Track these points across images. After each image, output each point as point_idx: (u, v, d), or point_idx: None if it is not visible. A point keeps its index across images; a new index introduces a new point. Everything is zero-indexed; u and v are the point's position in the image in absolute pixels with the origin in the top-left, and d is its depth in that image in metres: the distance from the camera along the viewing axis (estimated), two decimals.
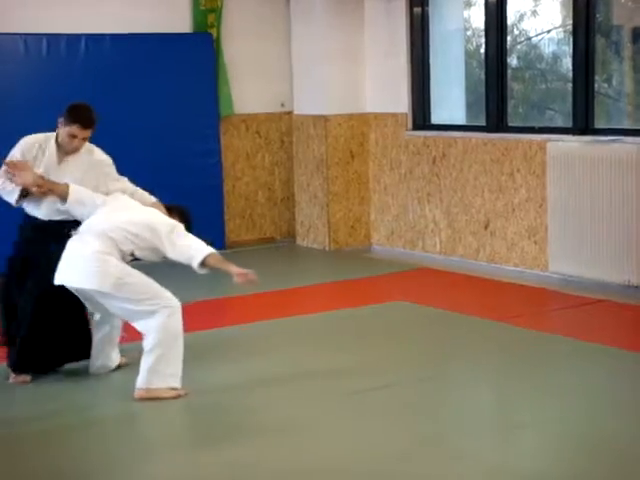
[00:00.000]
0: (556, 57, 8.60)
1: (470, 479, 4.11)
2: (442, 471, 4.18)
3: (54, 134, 5.49)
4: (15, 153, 5.46)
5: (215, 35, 9.17)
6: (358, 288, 7.75)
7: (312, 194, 9.30)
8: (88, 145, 5.54)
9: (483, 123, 8.28)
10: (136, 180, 8.82)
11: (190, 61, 9.07)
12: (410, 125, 8.83)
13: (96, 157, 5.58)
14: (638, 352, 5.77)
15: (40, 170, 5.39)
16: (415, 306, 6.98)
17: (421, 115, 8.80)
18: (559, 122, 8.12)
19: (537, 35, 8.74)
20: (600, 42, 7.74)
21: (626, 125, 7.82)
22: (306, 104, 9.30)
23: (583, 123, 7.42)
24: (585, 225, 7.20)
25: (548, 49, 8.80)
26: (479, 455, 4.36)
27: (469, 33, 9.12)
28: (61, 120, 5.41)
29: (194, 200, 9.20)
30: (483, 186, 8.12)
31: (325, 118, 9.09)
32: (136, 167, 8.79)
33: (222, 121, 9.38)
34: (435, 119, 8.80)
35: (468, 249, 8.27)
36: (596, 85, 7.62)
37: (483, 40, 8.28)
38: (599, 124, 7.48)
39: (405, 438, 4.57)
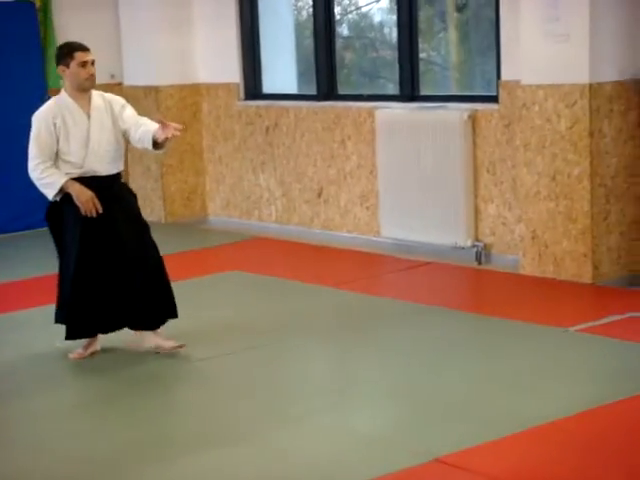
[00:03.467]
0: (384, 26, 8.77)
1: (307, 440, 4.20)
2: (280, 434, 4.27)
3: (60, 96, 5.35)
4: (42, 136, 5.26)
5: (39, 4, 8.91)
6: (194, 259, 7.75)
7: (146, 167, 9.20)
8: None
9: (314, 92, 8.37)
10: None
11: (12, 32, 8.79)
12: (242, 95, 8.84)
13: (107, 97, 5.51)
14: (467, 311, 6.00)
15: (78, 134, 5.25)
16: (252, 275, 7.03)
17: (252, 85, 8.82)
18: (389, 90, 8.30)
19: (367, 5, 8.89)
20: (427, 11, 7.93)
21: (452, 92, 8.07)
22: (136, 75, 9.17)
23: (409, 90, 7.61)
24: (414, 190, 7.40)
25: (377, 18, 8.98)
26: (315, 416, 4.46)
27: (300, 3, 9.19)
28: (62, 67, 5.30)
29: (26, 180, 8.99)
30: (315, 154, 8.22)
31: (156, 89, 8.99)
32: None
33: (50, 93, 9.12)
34: (267, 89, 8.84)
35: (303, 217, 8.37)
36: (424, 54, 7.81)
37: (311, 10, 8.36)
38: (425, 91, 7.68)
39: (243, 406, 4.63)
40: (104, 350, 5.45)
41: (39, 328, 5.91)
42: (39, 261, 7.35)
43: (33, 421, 4.59)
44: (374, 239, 7.81)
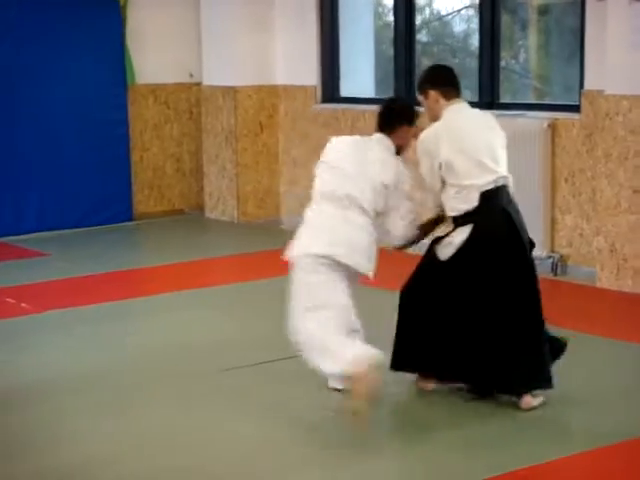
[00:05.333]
0: (465, 34, 8.70)
1: None
2: None
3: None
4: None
5: (122, 1, 9.03)
6: (266, 260, 7.74)
7: (221, 166, 9.24)
8: None
9: (392, 96, 8.30)
10: (43, 150, 8.77)
11: (97, 28, 8.92)
12: (319, 98, 8.83)
13: None
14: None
15: None
16: None
17: (330, 88, 8.81)
18: (467, 97, 8.20)
19: (448, 15, 8.84)
20: (506, 19, 7.84)
21: (531, 100, 7.96)
22: (215, 75, 9.22)
23: (489, 97, 7.52)
24: None
25: (458, 26, 8.91)
26: None
27: (380, 10, 9.16)
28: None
29: (101, 171, 9.18)
30: None
31: (234, 89, 9.03)
32: (43, 136, 8.78)
33: (130, 91, 9.25)
34: (344, 92, 8.82)
35: None
36: (503, 61, 7.72)
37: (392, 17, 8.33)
38: (505, 99, 7.59)
39: None
40: None
41: None
42: None
43: None
44: None
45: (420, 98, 4.74)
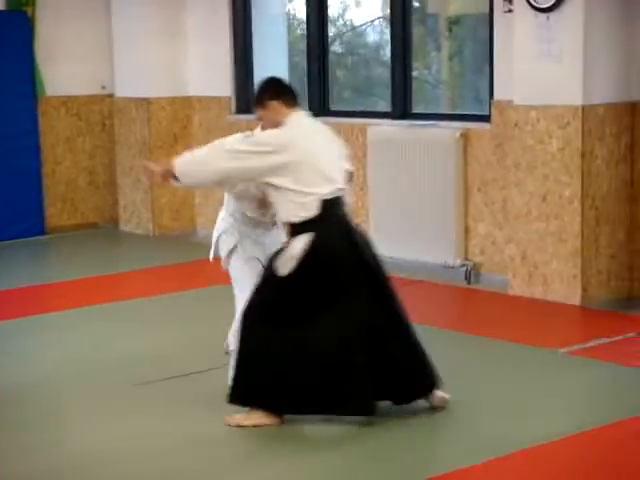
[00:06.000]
0: (377, 45, 8.77)
1: None
2: None
3: None
4: None
5: (30, 13, 8.89)
6: (181, 272, 7.69)
7: (135, 178, 9.15)
8: None
9: (306, 107, 8.33)
10: None
11: (4, 40, 8.77)
12: (234, 109, 8.81)
13: None
14: (453, 330, 5.96)
15: None
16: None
17: (245, 99, 8.79)
18: (382, 107, 8.28)
19: (361, 25, 8.90)
20: (418, 30, 7.93)
21: (443, 110, 8.06)
22: (128, 86, 9.13)
23: (401, 108, 7.59)
24: (404, 207, 7.37)
25: (370, 37, 8.98)
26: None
27: (293, 21, 9.18)
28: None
29: (12, 184, 9.00)
30: None
31: (148, 101, 8.95)
32: None
33: (41, 103, 9.11)
34: None
35: None
36: (415, 72, 7.80)
37: (305, 27, 8.35)
38: (417, 109, 7.67)
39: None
40: None
41: None
42: None
43: None
44: None
45: (258, 112, 4.67)
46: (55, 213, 9.30)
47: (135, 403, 4.82)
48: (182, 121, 9.10)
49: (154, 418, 4.62)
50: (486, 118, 7.03)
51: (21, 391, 5.05)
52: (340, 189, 4.53)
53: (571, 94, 6.24)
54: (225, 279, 6.76)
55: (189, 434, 4.39)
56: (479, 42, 7.52)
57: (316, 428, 4.46)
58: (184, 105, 9.09)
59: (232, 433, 4.39)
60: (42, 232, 9.05)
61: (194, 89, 9.09)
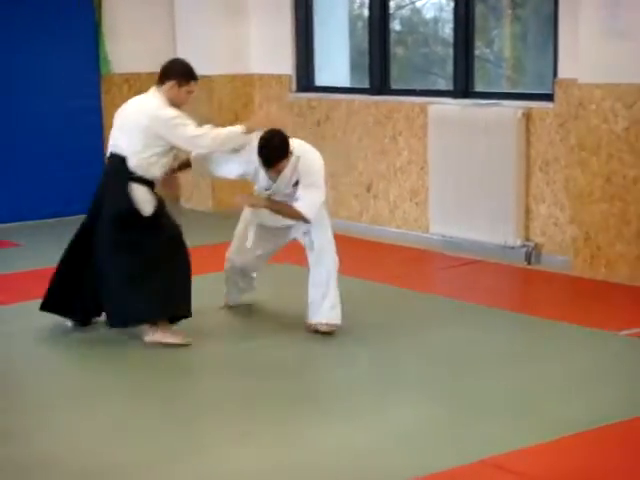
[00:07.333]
0: (437, 22, 8.70)
1: (352, 437, 4.18)
2: (324, 431, 4.23)
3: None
4: None
5: None
6: None
7: None
8: None
9: (367, 85, 8.32)
10: (14, 140, 8.71)
11: (71, 19, 8.86)
12: (294, 87, 8.81)
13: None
14: (513, 311, 5.93)
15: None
16: (299, 268, 6.98)
17: (305, 77, 8.79)
18: (441, 86, 8.22)
19: (421, 0, 8.82)
20: (480, 8, 7.84)
21: (505, 89, 7.97)
22: (192, 64, 9.14)
23: (463, 86, 7.53)
24: (465, 187, 7.32)
25: (430, 14, 8.91)
26: (359, 414, 4.43)
27: None
28: (173, 82, 5.36)
29: (75, 160, 9.12)
30: (366, 149, 8.18)
31: (209, 78, 8.99)
32: (15, 126, 8.72)
33: (104, 80, 9.20)
34: (319, 81, 8.80)
35: (351, 211, 8.33)
36: (477, 50, 7.73)
37: (367, 4, 8.31)
38: (479, 88, 7.60)
39: (288, 402, 4.60)
40: None
41: None
42: None
43: None
44: (422, 235, 7.75)
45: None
46: None
47: None
48: (243, 99, 9.13)
49: None
50: (549, 97, 6.94)
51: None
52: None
53: (637, 72, 6.14)
54: (288, 257, 6.83)
55: None
56: (543, 19, 7.42)
57: None
58: (245, 83, 9.11)
59: None
60: None
61: (255, 67, 9.11)
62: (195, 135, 5.33)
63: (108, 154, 5.47)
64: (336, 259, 5.51)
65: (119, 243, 5.35)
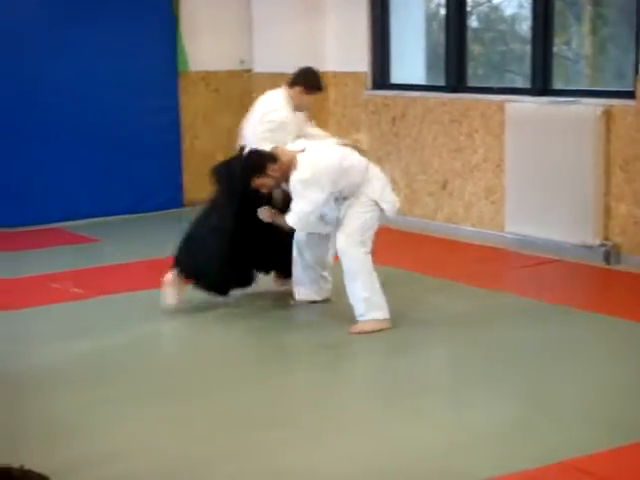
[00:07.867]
0: (515, 19, 8.60)
1: (428, 438, 4.16)
2: (396, 427, 4.23)
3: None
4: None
5: None
6: None
7: None
8: None
9: (442, 83, 8.27)
10: (94, 137, 8.85)
11: (150, 16, 8.98)
12: (370, 84, 8.80)
13: None
14: (591, 311, 5.84)
15: None
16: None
17: (381, 74, 8.77)
18: (519, 84, 8.13)
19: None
20: (558, 4, 7.74)
21: (584, 86, 7.86)
22: (266, 61, 9.22)
23: (541, 84, 7.44)
24: (541, 186, 7.23)
25: (508, 11, 8.82)
26: (432, 412, 4.41)
27: None
28: (300, 89, 6.07)
29: (151, 157, 9.23)
30: (441, 146, 8.13)
31: (285, 76, 9.00)
32: (94, 123, 8.85)
33: (180, 78, 9.29)
34: (395, 79, 8.77)
35: (426, 209, 8.29)
36: (555, 47, 7.63)
37: (443, 1, 8.26)
38: (557, 85, 7.50)
39: (357, 396, 4.59)
40: None
41: None
42: None
43: None
44: (498, 234, 7.67)
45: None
46: (192, 187, 9.48)
47: None
48: (318, 96, 9.10)
49: None
50: (630, 94, 6.82)
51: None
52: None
53: None
54: None
55: None
56: (623, 15, 7.29)
57: None
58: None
59: None
60: (180, 205, 9.27)
61: (331, 64, 9.10)
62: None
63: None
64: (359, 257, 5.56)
65: None
